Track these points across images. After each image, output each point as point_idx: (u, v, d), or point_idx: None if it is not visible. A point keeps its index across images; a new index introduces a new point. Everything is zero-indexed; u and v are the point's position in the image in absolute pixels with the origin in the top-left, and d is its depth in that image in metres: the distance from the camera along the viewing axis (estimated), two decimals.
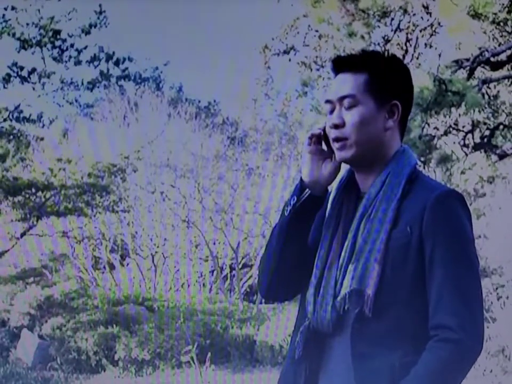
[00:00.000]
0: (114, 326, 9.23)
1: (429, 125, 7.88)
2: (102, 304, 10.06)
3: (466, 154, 8.81)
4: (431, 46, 9.54)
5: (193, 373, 7.92)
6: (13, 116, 15.04)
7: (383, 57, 1.78)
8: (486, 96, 9.10)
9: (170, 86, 21.54)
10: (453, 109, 7.40)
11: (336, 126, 1.73)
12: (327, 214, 1.79)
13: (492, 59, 7.90)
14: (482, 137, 9.05)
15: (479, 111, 8.82)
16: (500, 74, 8.29)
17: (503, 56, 8.04)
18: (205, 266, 13.21)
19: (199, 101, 20.66)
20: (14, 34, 14.75)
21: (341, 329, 1.68)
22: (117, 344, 8.82)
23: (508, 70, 8.52)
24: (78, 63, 16.48)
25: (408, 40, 9.04)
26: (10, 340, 9.61)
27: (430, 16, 8.59)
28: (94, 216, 11.53)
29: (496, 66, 8.15)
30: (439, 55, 8.28)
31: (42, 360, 9.01)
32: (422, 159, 7.70)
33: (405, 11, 8.44)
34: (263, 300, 1.99)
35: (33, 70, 15.55)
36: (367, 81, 1.72)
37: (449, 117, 8.28)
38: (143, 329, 9.07)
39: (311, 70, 11.20)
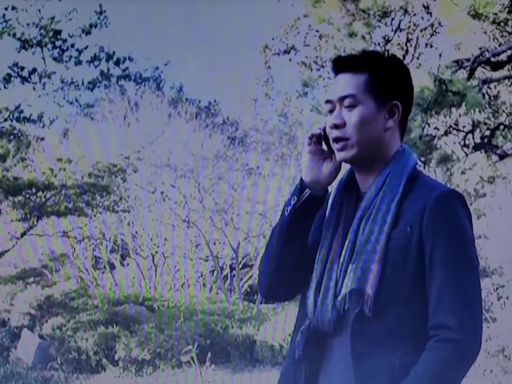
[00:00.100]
0: (114, 326, 9.23)
1: (429, 125, 7.88)
2: (102, 304, 10.07)
3: (467, 155, 8.81)
4: (431, 46, 9.54)
5: (193, 373, 7.92)
6: (13, 115, 15.05)
7: (383, 57, 1.78)
8: (487, 96, 9.10)
9: (171, 86, 21.56)
10: (453, 109, 7.40)
11: (336, 126, 1.73)
12: (327, 214, 1.79)
13: (492, 59, 7.90)
14: (482, 137, 9.05)
15: (480, 111, 8.82)
16: (500, 74, 8.29)
17: (503, 56, 8.04)
18: (205, 266, 13.21)
19: (200, 101, 20.67)
20: (14, 35, 14.76)
21: (341, 329, 1.68)
22: (117, 344, 8.82)
23: (508, 70, 8.52)
24: (78, 63, 16.48)
25: (408, 40, 9.04)
26: (10, 339, 9.62)
27: (431, 16, 8.58)
28: (94, 216, 11.52)
29: (496, 66, 8.15)
30: (440, 55, 8.28)
31: (43, 360, 9.02)
32: (423, 159, 7.70)
33: (405, 11, 8.44)
34: (263, 300, 1.99)
35: (34, 70, 15.57)
36: (367, 81, 1.72)
37: (450, 117, 8.27)
38: (143, 329, 9.07)
39: (311, 70, 11.20)
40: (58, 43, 15.70)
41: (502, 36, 8.35)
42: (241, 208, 12.91)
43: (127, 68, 18.83)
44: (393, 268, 1.64)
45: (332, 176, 1.78)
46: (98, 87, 17.99)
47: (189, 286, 12.72)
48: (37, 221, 10.28)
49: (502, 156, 8.84)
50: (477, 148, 8.91)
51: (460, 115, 8.34)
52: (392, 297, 1.64)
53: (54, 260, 11.32)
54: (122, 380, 8.55)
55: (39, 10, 14.79)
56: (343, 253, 1.71)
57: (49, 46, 15.58)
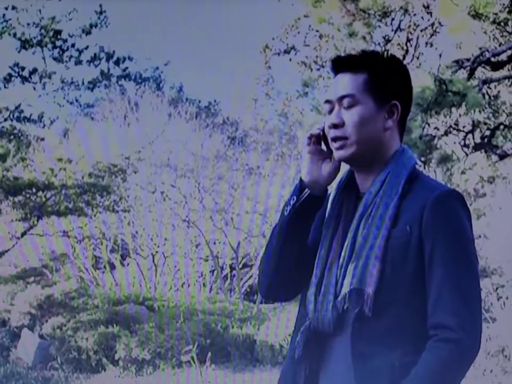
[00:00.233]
0: (114, 325, 9.23)
1: (429, 125, 7.88)
2: (102, 304, 10.07)
3: (467, 154, 8.80)
4: (431, 45, 9.54)
5: (193, 373, 7.93)
6: (13, 115, 15.05)
7: (382, 57, 1.79)
8: (487, 96, 9.09)
9: (171, 85, 21.57)
10: (454, 109, 7.39)
11: (335, 126, 1.73)
12: (327, 214, 1.79)
13: (492, 59, 7.89)
14: (482, 137, 9.05)
15: (480, 111, 8.82)
16: (500, 74, 8.29)
17: (503, 56, 8.03)
18: (205, 266, 13.21)
19: (200, 101, 20.68)
20: (15, 34, 14.77)
21: (342, 328, 1.68)
22: (117, 344, 8.82)
23: (509, 70, 8.52)
24: (78, 63, 16.49)
25: (408, 40, 9.03)
26: (10, 339, 9.62)
27: (431, 16, 8.58)
28: (94, 216, 11.52)
29: (496, 66, 8.14)
30: (440, 55, 8.28)
31: (43, 360, 9.02)
32: (423, 159, 7.70)
33: (406, 11, 8.44)
34: (263, 300, 1.99)
35: (35, 70, 15.57)
36: (366, 81, 1.72)
37: (450, 117, 8.27)
38: (143, 329, 9.07)
39: (312, 70, 11.20)
40: (58, 43, 15.71)
41: (502, 36, 8.35)
42: (241, 208, 12.92)
43: (127, 68, 18.85)
44: (392, 267, 1.65)
45: (331, 176, 1.78)
46: (99, 87, 18.00)
47: (189, 285, 12.73)
48: (37, 220, 10.28)
49: (502, 156, 8.83)
50: (477, 147, 8.91)
51: (460, 115, 8.34)
52: (392, 296, 1.64)
53: (54, 259, 11.32)
54: (122, 379, 8.56)
55: (40, 10, 14.80)
56: (343, 252, 1.71)
57: (50, 45, 15.59)
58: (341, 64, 1.76)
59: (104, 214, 11.96)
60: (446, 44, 8.71)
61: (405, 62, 7.55)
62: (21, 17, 14.69)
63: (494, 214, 9.08)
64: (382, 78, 1.74)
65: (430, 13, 8.51)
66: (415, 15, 8.77)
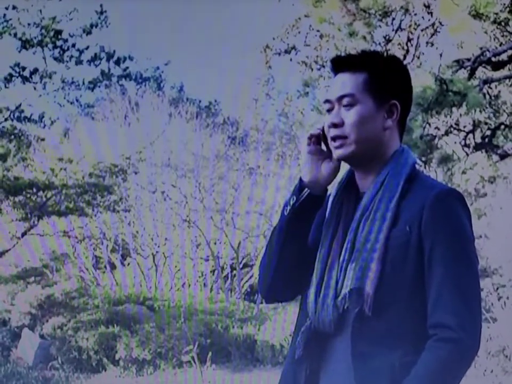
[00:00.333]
0: (115, 325, 9.24)
1: (430, 124, 7.87)
2: (103, 304, 10.08)
3: (467, 154, 8.80)
4: (432, 45, 9.53)
5: (193, 373, 7.93)
6: (14, 115, 15.04)
7: (382, 57, 1.79)
8: (487, 96, 9.08)
9: (171, 85, 21.58)
10: (454, 109, 7.39)
11: (334, 125, 1.73)
12: (327, 214, 1.79)
13: (493, 59, 7.89)
14: (483, 137, 9.04)
15: (480, 111, 8.81)
16: (501, 74, 8.28)
17: (504, 56, 8.03)
18: (206, 266, 13.22)
19: (200, 101, 20.69)
20: (15, 34, 14.76)
21: (342, 328, 1.68)
22: (117, 344, 8.83)
23: (509, 70, 8.51)
24: (79, 62, 16.47)
25: (409, 39, 9.03)
26: (11, 339, 9.63)
27: (431, 16, 8.58)
28: (95, 215, 11.53)
29: (497, 66, 8.14)
30: (440, 55, 8.28)
31: (43, 360, 9.02)
32: (423, 159, 7.70)
33: (406, 11, 8.44)
34: (264, 300, 1.98)
35: (35, 70, 15.56)
36: (366, 80, 1.72)
37: (450, 116, 8.27)
38: (143, 329, 9.07)
39: (312, 69, 11.19)
40: (59, 43, 15.70)
41: (502, 36, 8.35)
42: (242, 208, 12.92)
43: (127, 68, 18.82)
44: (392, 267, 1.64)
45: (331, 176, 1.78)
46: (99, 86, 17.96)
47: (189, 285, 12.73)
48: (38, 220, 10.28)
49: (503, 156, 8.83)
50: (477, 147, 8.90)
51: (460, 115, 8.34)
52: (392, 296, 1.64)
53: (55, 259, 11.32)
54: (122, 379, 8.56)
55: (40, 11, 14.79)
56: (343, 252, 1.71)
57: (50, 45, 15.57)
58: (340, 64, 1.76)
59: (104, 214, 11.97)
60: (447, 44, 8.71)
61: (405, 62, 7.55)
62: (22, 17, 14.68)
63: (494, 214, 9.09)
64: (381, 77, 1.73)
65: (431, 13, 8.51)
66: (415, 14, 8.77)
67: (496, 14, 7.32)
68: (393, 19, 8.80)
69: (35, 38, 15.19)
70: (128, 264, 13.24)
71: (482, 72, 8.38)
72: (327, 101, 1.76)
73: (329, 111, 1.76)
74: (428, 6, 8.36)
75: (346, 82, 1.73)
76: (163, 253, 13.01)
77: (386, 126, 1.74)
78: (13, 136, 13.07)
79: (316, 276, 1.74)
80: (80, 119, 17.48)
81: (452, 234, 1.65)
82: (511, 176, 9.56)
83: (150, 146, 13.51)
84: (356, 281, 1.64)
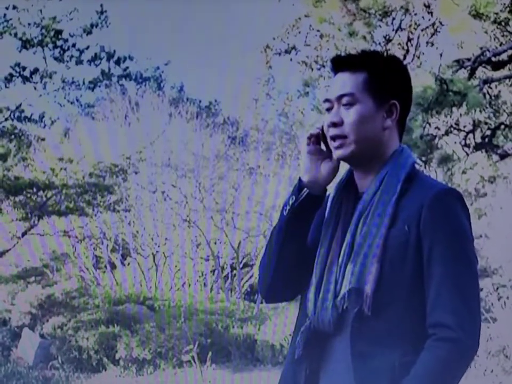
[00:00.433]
0: (115, 325, 9.24)
1: (430, 124, 7.87)
2: (103, 304, 10.09)
3: (468, 154, 8.79)
4: (432, 45, 9.53)
5: (194, 372, 7.94)
6: (14, 115, 15.05)
7: (382, 56, 1.79)
8: (487, 96, 9.08)
9: (172, 85, 21.58)
10: (454, 109, 7.39)
11: (334, 124, 1.73)
12: (326, 214, 1.79)
13: (493, 59, 7.89)
14: (483, 137, 9.04)
15: (480, 111, 8.81)
16: (501, 74, 8.28)
17: (504, 56, 8.03)
18: (206, 265, 13.22)
19: (200, 101, 20.69)
20: (15, 34, 14.76)
21: (341, 328, 1.68)
22: (118, 343, 8.83)
23: (509, 69, 8.51)
24: (79, 62, 16.48)
25: (409, 39, 9.03)
26: (11, 339, 9.63)
27: (432, 15, 8.58)
28: (95, 215, 11.53)
29: (497, 66, 8.14)
30: (441, 55, 8.27)
31: (44, 359, 9.03)
32: (423, 158, 7.70)
33: (406, 10, 8.44)
34: (264, 300, 1.98)
35: (35, 70, 15.56)
36: (366, 80, 1.72)
37: (451, 116, 8.26)
38: (144, 329, 9.08)
39: (312, 69, 11.19)
40: (59, 43, 15.70)
41: (503, 36, 8.35)
42: (242, 208, 12.93)
43: (127, 68, 18.83)
44: (391, 266, 1.64)
45: (330, 176, 1.78)
46: (99, 86, 17.97)
47: (189, 285, 12.74)
48: (38, 220, 10.29)
49: (503, 156, 8.83)
50: (477, 147, 8.90)
51: (460, 115, 8.33)
52: (391, 295, 1.64)
53: (55, 259, 11.32)
54: (123, 379, 8.56)
55: (40, 10, 14.79)
56: (342, 252, 1.71)
57: (50, 45, 15.58)
58: (340, 64, 1.76)
59: (104, 214, 11.97)
60: (447, 44, 8.71)
61: (405, 62, 7.56)
62: (22, 17, 14.69)
63: (494, 213, 9.09)
64: (381, 77, 1.74)
65: (431, 13, 8.51)
66: (415, 14, 8.77)
67: (496, 14, 7.32)
68: (393, 19, 8.80)
69: (35, 38, 15.19)
70: (128, 264, 13.25)
71: (482, 72, 8.38)
72: (326, 100, 1.76)
73: (328, 110, 1.76)
74: (428, 6, 8.36)
75: (346, 81, 1.73)
76: (163, 253, 13.02)
77: (386, 126, 1.74)
78: (13, 136, 13.08)
79: (316, 275, 1.74)
80: (80, 119, 17.50)
81: (451, 234, 1.64)
82: (511, 176, 9.56)
83: (150, 146, 13.51)
84: (355, 281, 1.65)
